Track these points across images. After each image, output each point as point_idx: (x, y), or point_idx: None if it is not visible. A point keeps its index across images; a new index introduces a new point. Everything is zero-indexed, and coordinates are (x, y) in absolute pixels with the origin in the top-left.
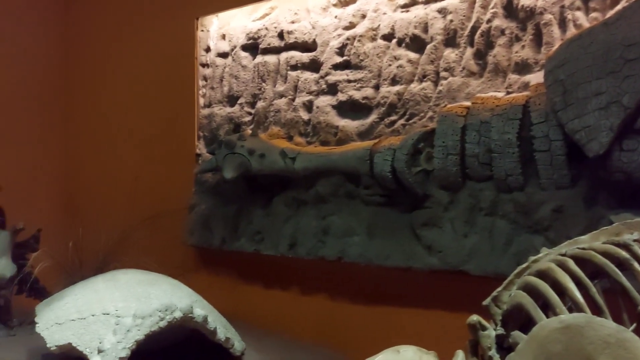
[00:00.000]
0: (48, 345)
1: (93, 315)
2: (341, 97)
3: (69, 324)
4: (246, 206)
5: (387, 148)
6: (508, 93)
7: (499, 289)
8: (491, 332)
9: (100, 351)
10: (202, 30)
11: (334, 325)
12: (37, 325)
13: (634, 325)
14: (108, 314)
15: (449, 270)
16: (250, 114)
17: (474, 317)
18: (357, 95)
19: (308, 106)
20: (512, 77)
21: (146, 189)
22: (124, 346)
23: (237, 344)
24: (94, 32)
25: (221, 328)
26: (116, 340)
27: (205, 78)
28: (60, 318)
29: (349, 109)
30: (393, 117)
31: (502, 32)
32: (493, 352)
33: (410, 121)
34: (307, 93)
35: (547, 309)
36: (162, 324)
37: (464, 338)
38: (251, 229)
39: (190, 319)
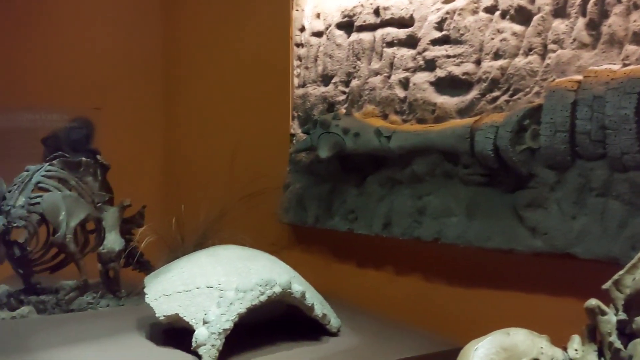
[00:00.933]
0: (157, 315)
1: (198, 288)
2: (439, 73)
3: (175, 295)
4: (340, 185)
5: (489, 125)
6: (625, 65)
7: (621, 272)
8: (611, 317)
9: (205, 322)
10: (297, 10)
11: (430, 306)
12: (146, 296)
13: None
14: (212, 287)
15: (555, 253)
16: (344, 92)
17: (593, 301)
18: (457, 70)
19: (404, 83)
20: (630, 48)
21: (242, 168)
22: (228, 318)
23: (334, 321)
24: (193, 14)
25: (318, 304)
26: (220, 313)
27: (299, 58)
28: (167, 290)
29: (448, 85)
30: (496, 93)
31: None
32: (614, 338)
33: (515, 97)
34: (403, 70)
35: None
36: (263, 298)
37: (572, 324)
38: (345, 208)
39: (289, 294)
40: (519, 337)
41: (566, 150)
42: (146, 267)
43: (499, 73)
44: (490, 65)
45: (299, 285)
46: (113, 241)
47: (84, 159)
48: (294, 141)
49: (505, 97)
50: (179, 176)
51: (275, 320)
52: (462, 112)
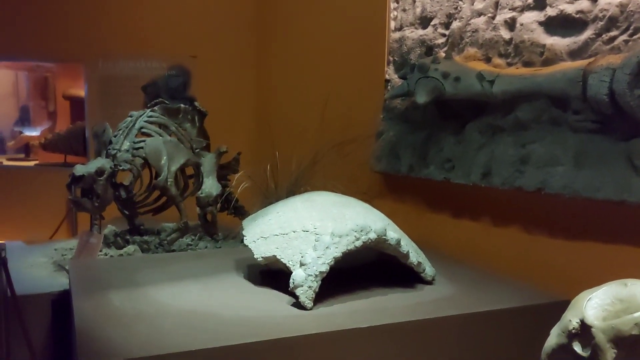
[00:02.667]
0: (255, 256)
1: (294, 232)
2: (550, 12)
3: (273, 238)
4: (436, 133)
5: (604, 68)
6: None
7: None
8: None
9: (302, 264)
10: None
11: (531, 258)
12: (244, 238)
13: None
14: (308, 231)
15: None
16: (444, 35)
17: None
18: (570, 9)
19: (510, 24)
20: None
21: (335, 115)
22: (324, 261)
23: (429, 269)
24: None
25: (413, 252)
26: (316, 256)
27: (396, 0)
28: (265, 232)
29: (559, 25)
30: (613, 33)
31: None
32: None
33: (635, 37)
34: (509, 9)
35: None
36: (358, 243)
37: None
38: (441, 156)
39: (383, 241)
40: (638, 288)
41: None
42: (241, 213)
43: (618, 10)
44: (609, 2)
45: (393, 233)
46: (211, 186)
47: (182, 105)
48: (389, 87)
49: (624, 37)
50: (272, 123)
51: (368, 267)
52: (574, 54)
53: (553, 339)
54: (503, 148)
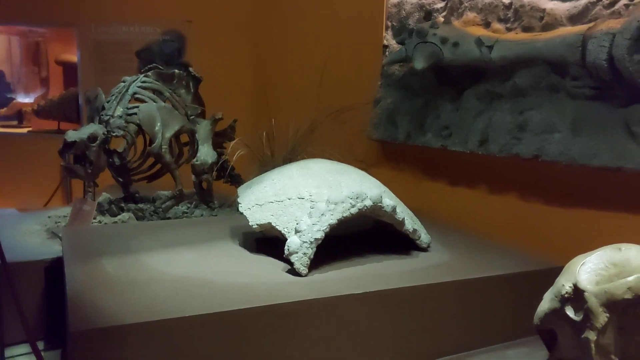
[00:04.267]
0: (250, 223)
1: (289, 199)
2: None
3: (268, 205)
4: (434, 100)
5: (604, 33)
6: None
7: None
8: None
9: (297, 231)
10: None
11: (527, 226)
12: (239, 205)
13: None
14: (303, 199)
15: None
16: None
17: None
18: None
19: None
20: None
21: (332, 82)
22: (319, 228)
23: (424, 236)
24: None
25: (408, 219)
26: (312, 222)
27: None
28: (260, 200)
29: None
30: None
31: None
32: None
33: (636, 0)
34: None
35: None
36: (353, 210)
37: None
38: (438, 123)
39: (379, 208)
40: (632, 253)
41: None
42: (237, 181)
43: None
44: None
45: (389, 200)
46: (206, 153)
47: (176, 71)
48: (387, 53)
49: (624, 1)
50: (269, 90)
51: (364, 235)
52: (574, 18)
53: (546, 303)
54: (500, 115)
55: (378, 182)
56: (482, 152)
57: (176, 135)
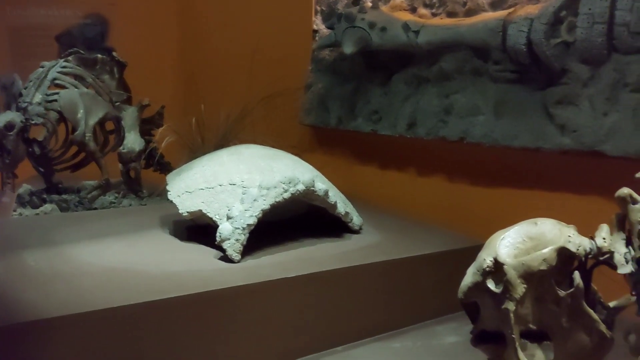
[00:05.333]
0: (180, 211)
1: (220, 185)
2: None
3: (198, 192)
4: (364, 85)
5: (523, 18)
6: None
7: None
8: None
9: (229, 218)
10: None
11: (454, 206)
12: (169, 192)
13: None
14: (234, 185)
15: (583, 150)
16: None
17: (625, 190)
18: None
19: None
20: None
21: (263, 67)
22: (251, 214)
23: (356, 219)
24: None
25: (341, 203)
26: (244, 209)
27: None
28: (190, 187)
29: None
30: None
31: None
32: None
33: None
34: None
35: None
36: (286, 195)
37: (599, 221)
38: (368, 108)
39: (312, 192)
40: (546, 227)
41: (603, 43)
42: (167, 169)
43: None
44: None
45: (322, 184)
46: (133, 141)
47: (99, 56)
48: (317, 37)
49: None
50: (198, 75)
51: (297, 219)
52: (496, 4)
53: (469, 277)
54: (427, 99)
55: (310, 166)
56: (410, 135)
57: (100, 123)
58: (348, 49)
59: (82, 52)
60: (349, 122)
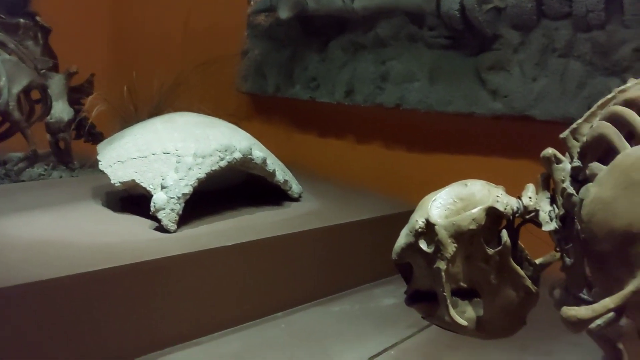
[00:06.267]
0: (112, 182)
1: (154, 154)
2: None
3: (130, 162)
4: (301, 51)
5: None
6: None
7: (579, 120)
8: (566, 165)
9: (163, 187)
10: None
11: (391, 172)
12: (99, 162)
13: None
14: (169, 153)
15: (514, 115)
16: None
17: (549, 150)
18: None
19: None
20: None
21: (197, 33)
22: (187, 183)
23: (295, 187)
24: None
25: (279, 171)
26: (178, 177)
27: None
28: (121, 156)
29: None
30: None
31: None
32: (567, 185)
33: None
34: None
35: (632, 139)
36: (222, 163)
37: (530, 181)
38: (306, 75)
39: (249, 161)
40: (476, 187)
41: (532, 9)
42: (98, 139)
43: None
44: None
45: (259, 152)
46: (61, 110)
47: (22, 20)
48: (252, 2)
49: None
50: (129, 41)
51: (235, 188)
52: None
53: (402, 239)
54: (364, 65)
55: (248, 134)
56: (348, 102)
57: (25, 91)
58: (283, 13)
59: (2, 16)
60: (287, 89)
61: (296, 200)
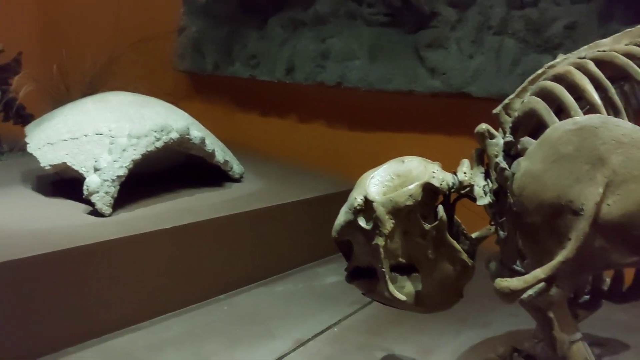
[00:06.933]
0: (42, 165)
1: (86, 136)
2: None
3: (61, 144)
4: (239, 28)
5: None
6: None
7: (511, 96)
8: (499, 140)
9: (96, 170)
10: None
11: (334, 150)
12: (28, 145)
13: None
14: (101, 134)
15: (452, 92)
16: None
17: (483, 126)
18: None
19: None
20: None
21: (131, 9)
22: (121, 165)
23: (236, 167)
24: None
25: (219, 151)
26: (112, 159)
27: None
28: (51, 138)
29: None
30: None
31: None
32: (500, 159)
33: None
34: None
35: (562, 113)
36: (159, 144)
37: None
38: (246, 52)
39: (187, 141)
40: (413, 164)
41: None
42: (28, 121)
43: None
44: None
45: (197, 132)
46: None
47: None
48: None
49: None
50: (58, 17)
51: (175, 170)
52: None
53: (341, 216)
54: (304, 43)
55: (185, 114)
56: (289, 80)
57: None
58: None
59: None
60: (226, 67)
61: (237, 180)
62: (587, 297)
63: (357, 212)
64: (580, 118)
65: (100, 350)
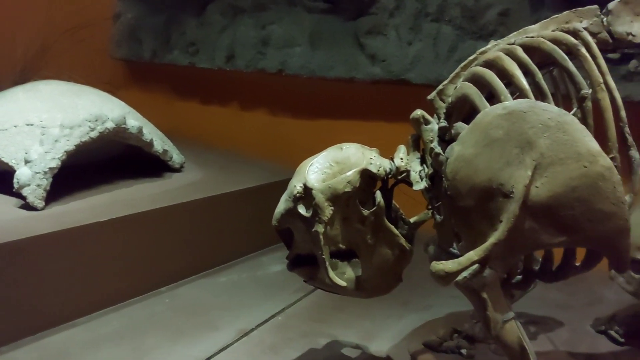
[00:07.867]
0: None
1: (15, 127)
2: None
3: None
4: (177, 14)
5: None
6: None
7: (445, 82)
8: (434, 125)
9: (27, 162)
10: None
11: (275, 139)
12: None
13: (576, 108)
14: (32, 125)
15: (392, 79)
16: None
17: (418, 112)
18: None
19: None
20: None
21: None
22: (53, 156)
23: (176, 157)
24: None
25: (158, 140)
26: (44, 151)
27: None
28: None
29: None
30: None
31: None
32: (435, 144)
33: None
34: None
35: (493, 99)
36: (93, 134)
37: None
38: (184, 40)
39: (123, 130)
40: (351, 151)
41: None
42: None
43: None
44: None
45: (134, 121)
46: None
47: None
48: None
49: None
50: None
51: (112, 161)
52: None
53: (281, 204)
54: (244, 30)
55: (122, 103)
56: (229, 68)
57: None
58: None
59: None
60: (165, 55)
61: (177, 170)
62: (519, 277)
63: (296, 199)
64: (509, 103)
65: (35, 349)
